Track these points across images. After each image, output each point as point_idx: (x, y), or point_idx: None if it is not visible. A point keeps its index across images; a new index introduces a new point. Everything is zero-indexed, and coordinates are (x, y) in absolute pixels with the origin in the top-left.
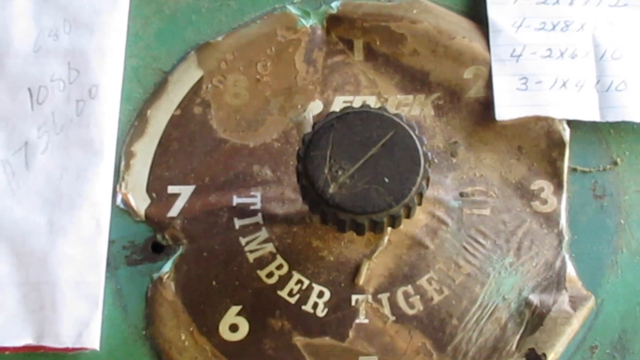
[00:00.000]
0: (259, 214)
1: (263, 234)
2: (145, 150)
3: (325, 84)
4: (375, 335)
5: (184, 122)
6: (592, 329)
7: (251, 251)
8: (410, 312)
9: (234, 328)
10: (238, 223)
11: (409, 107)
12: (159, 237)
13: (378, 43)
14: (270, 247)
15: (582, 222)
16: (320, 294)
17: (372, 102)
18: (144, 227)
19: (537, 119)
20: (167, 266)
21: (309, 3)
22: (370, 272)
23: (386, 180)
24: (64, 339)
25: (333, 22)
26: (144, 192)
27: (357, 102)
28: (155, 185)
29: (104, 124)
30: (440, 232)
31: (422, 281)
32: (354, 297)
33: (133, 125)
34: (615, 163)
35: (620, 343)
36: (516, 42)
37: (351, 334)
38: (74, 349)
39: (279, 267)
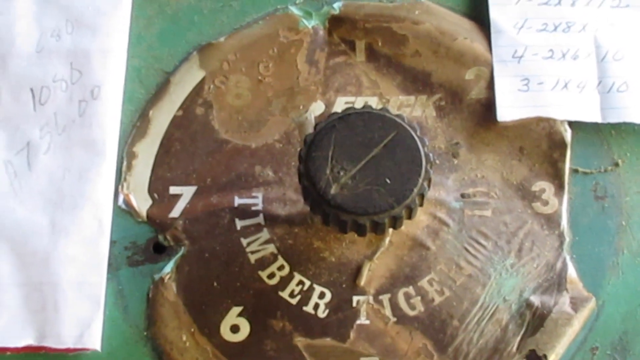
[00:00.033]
0: (261, 215)
1: (264, 234)
2: (147, 150)
3: (327, 85)
4: (376, 336)
5: (186, 123)
6: (592, 331)
7: (252, 252)
8: (411, 313)
9: (235, 329)
10: (239, 224)
11: (411, 108)
12: (160, 237)
13: (380, 44)
14: (271, 248)
15: (583, 224)
16: (322, 295)
17: (374, 103)
18: (145, 228)
19: (539, 120)
20: (169, 267)
21: (311, 4)
22: (372, 273)
23: (388, 181)
24: (65, 340)
25: (335, 23)
26: (146, 193)
27: (358, 103)
28: (157, 186)
29: (106, 124)
30: (442, 233)
31: (423, 282)
32: (355, 298)
33: (135, 125)
34: (617, 164)
35: (621, 344)
36: (518, 43)
37: (352, 335)
38: (75, 350)
39: (280, 268)
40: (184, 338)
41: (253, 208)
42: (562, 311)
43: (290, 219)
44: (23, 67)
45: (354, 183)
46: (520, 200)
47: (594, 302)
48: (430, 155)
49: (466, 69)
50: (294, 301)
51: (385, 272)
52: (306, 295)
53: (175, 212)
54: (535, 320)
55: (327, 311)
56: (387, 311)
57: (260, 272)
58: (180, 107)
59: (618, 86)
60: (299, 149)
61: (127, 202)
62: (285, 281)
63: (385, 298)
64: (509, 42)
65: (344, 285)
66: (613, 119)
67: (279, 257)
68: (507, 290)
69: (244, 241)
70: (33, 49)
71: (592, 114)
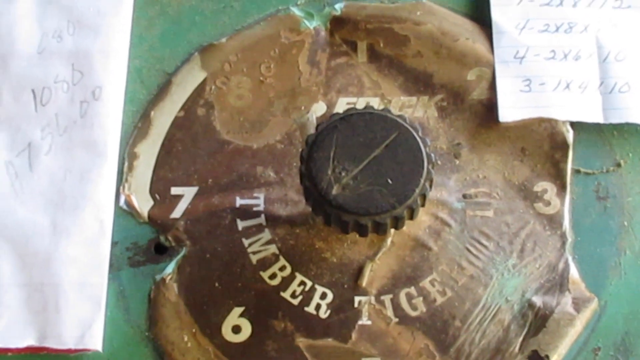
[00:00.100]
0: (262, 216)
1: (266, 235)
2: (148, 151)
3: (328, 86)
4: (378, 336)
5: (188, 124)
6: (595, 331)
7: (254, 252)
8: (413, 313)
9: (236, 329)
10: (241, 224)
11: (413, 109)
12: (161, 238)
13: (381, 45)
14: (273, 249)
15: (586, 224)
16: (323, 296)
17: (376, 103)
18: (147, 229)
19: (541, 120)
20: (170, 267)
21: (312, 5)
22: (373, 274)
23: (389, 181)
24: (67, 340)
25: (337, 23)
26: (147, 194)
27: (360, 103)
28: (159, 187)
29: (108, 125)
30: (444, 234)
31: (425, 283)
32: (356, 299)
33: (136, 126)
34: (619, 165)
35: (623, 345)
36: (520, 43)
37: (354, 335)
38: (76, 350)
39: (282, 268)
40: (186, 338)
41: (254, 209)
42: (565, 312)
43: (291, 220)
44: (24, 68)
45: (356, 183)
46: (522, 201)
47: (596, 303)
48: (432, 155)
49: (468, 70)
50: (295, 302)
51: (387, 273)
52: (308, 296)
53: (177, 213)
54: (537, 321)
55: (328, 312)
56: (389, 312)
57: (261, 273)
58: (182, 108)
59: (620, 87)
60: (300, 150)
61: (128, 203)
62: (286, 282)
63: (387, 298)
64: (510, 42)
65: (345, 286)
66: (615, 119)
67: (281, 257)
68: (509, 291)
69: (246, 242)
70: (34, 50)
71: (594, 115)
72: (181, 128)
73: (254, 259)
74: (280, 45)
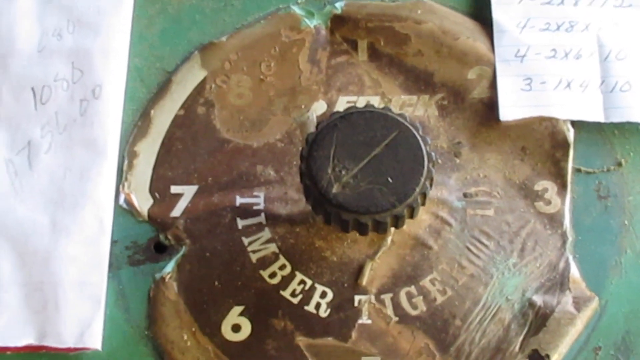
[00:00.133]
0: (262, 214)
1: (266, 234)
2: (148, 150)
3: (329, 84)
4: (378, 335)
5: (188, 122)
6: (595, 330)
7: (254, 251)
8: (413, 312)
9: (236, 328)
10: (241, 223)
11: (413, 108)
12: (161, 237)
13: (382, 43)
14: (273, 247)
15: (586, 223)
16: (323, 294)
17: (376, 102)
18: (146, 227)
19: (541, 119)
20: (170, 266)
21: (313, 3)
22: (374, 273)
23: (390, 180)
24: (66, 339)
25: (337, 22)
26: (147, 192)
27: (361, 102)
28: (158, 185)
29: (108, 123)
30: (444, 233)
31: (425, 282)
32: (356, 298)
33: (136, 125)
34: (620, 164)
35: (624, 344)
36: (520, 42)
37: (354, 334)
38: (75, 349)
39: (282, 267)
40: (185, 337)
41: (254, 207)
42: (565, 311)
43: (291, 218)
44: (24, 67)
45: (356, 182)
46: (523, 200)
47: (597, 302)
48: (433, 154)
49: (468, 69)
50: (295, 300)
51: (387, 272)
52: (308, 295)
53: (177, 212)
54: (537, 320)
55: (328, 310)
56: (389, 311)
57: (261, 272)
58: (182, 107)
59: (621, 86)
60: (300, 148)
61: (128, 202)
62: (286, 280)
63: (387, 297)
64: (511, 41)
65: (345, 285)
66: (616, 118)
67: (281, 256)
68: (510, 290)
69: (246, 240)
70: (34, 49)
71: (594, 114)
72: (181, 127)
73: (254, 257)
74: (281, 43)
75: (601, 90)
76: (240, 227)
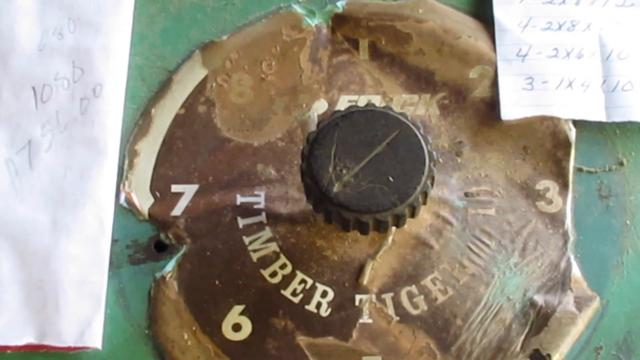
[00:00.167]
0: (263, 213)
1: (267, 233)
2: (149, 149)
3: (330, 83)
4: (379, 335)
5: (188, 121)
6: (597, 330)
7: (255, 250)
8: (414, 312)
9: (236, 327)
10: (242, 222)
11: (414, 107)
12: (162, 236)
13: (383, 42)
14: (273, 247)
15: (588, 223)
16: (324, 294)
17: (377, 101)
18: (147, 226)
19: (543, 118)
20: (170, 265)
21: (314, 2)
22: (374, 272)
23: (391, 179)
24: (66, 338)
25: (338, 21)
26: (148, 191)
27: (362, 101)
28: (159, 184)
29: (108, 122)
30: (445, 232)
31: (427, 281)
32: (357, 297)
33: (137, 124)
34: (621, 163)
35: (625, 344)
36: (522, 41)
37: (355, 334)
38: (76, 348)
39: (283, 266)
40: (186, 336)
41: (255, 206)
42: (566, 310)
43: (292, 218)
44: (25, 65)
45: (357, 181)
46: (524, 199)
47: (598, 302)
48: (434, 153)
49: (470, 68)
50: (296, 300)
51: (388, 271)
52: (308, 294)
53: (177, 211)
54: (539, 320)
55: (329, 310)
56: (390, 310)
57: (262, 271)
58: (183, 106)
59: (623, 85)
60: (301, 147)
61: (128, 201)
62: (287, 280)
63: (388, 297)
64: (513, 40)
65: (346, 284)
66: (618, 117)
67: (281, 255)
68: (511, 290)
69: (246, 239)
70: (35, 47)
71: (596, 113)
72: (182, 125)
73: (255, 256)
74: (282, 42)
75: (603, 90)
76: (241, 226)
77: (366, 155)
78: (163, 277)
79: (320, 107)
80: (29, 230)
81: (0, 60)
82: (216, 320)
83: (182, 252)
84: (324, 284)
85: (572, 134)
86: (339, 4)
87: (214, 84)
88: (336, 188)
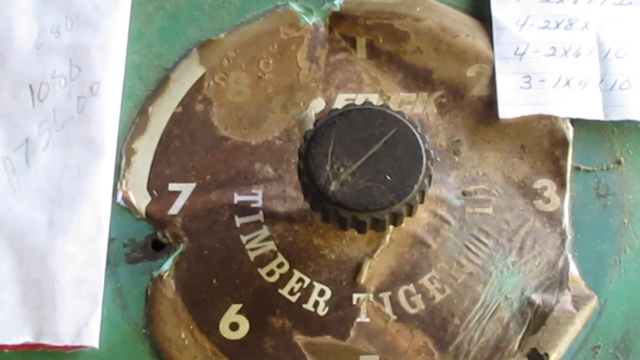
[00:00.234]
0: (260, 212)
1: (264, 232)
2: (146, 147)
3: (327, 82)
4: (376, 334)
5: (186, 120)
6: (594, 329)
7: (252, 249)
8: (412, 311)
9: (234, 326)
10: (239, 221)
11: (412, 105)
12: (159, 234)
13: (381, 41)
14: (271, 245)
15: (585, 222)
16: (321, 293)
17: (375, 99)
18: (144, 225)
19: (541, 117)
20: (168, 264)
21: (311, 0)
22: (372, 271)
23: (388, 177)
24: (63, 337)
25: (336, 19)
26: (145, 190)
27: (359, 99)
28: (156, 183)
29: (105, 121)
30: (443, 231)
31: (424, 280)
32: (355, 296)
33: (134, 122)
34: (619, 162)
35: (623, 343)
36: (520, 40)
37: (352, 333)
38: (73, 347)
39: (280, 265)
40: (183, 335)
41: (252, 205)
42: (564, 309)
43: (290, 216)
44: (22, 64)
45: (354, 180)
46: (522, 198)
47: (596, 301)
48: (431, 152)
49: (468, 66)
50: (293, 299)
51: (385, 270)
52: (306, 293)
53: (175, 209)
54: (536, 319)
55: (327, 309)
56: (388, 309)
57: (259, 270)
58: (180, 104)
59: (620, 84)
60: (298, 146)
61: (125, 199)
62: (284, 279)
63: (385, 296)
64: (510, 39)
65: (344, 283)
66: (615, 116)
67: (279, 254)
68: (509, 289)
69: (244, 238)
70: (32, 46)
71: (594, 112)
72: (179, 124)
73: (252, 255)
74: (279, 41)
75: (600, 88)
76: (238, 224)
77: (363, 153)
78: (160, 276)
79: (317, 105)
80: (26, 229)
81: None
82: (213, 319)
83: (179, 250)
84: (321, 282)
85: (570, 132)
86: (336, 2)
87: (212, 82)
88: (333, 187)
